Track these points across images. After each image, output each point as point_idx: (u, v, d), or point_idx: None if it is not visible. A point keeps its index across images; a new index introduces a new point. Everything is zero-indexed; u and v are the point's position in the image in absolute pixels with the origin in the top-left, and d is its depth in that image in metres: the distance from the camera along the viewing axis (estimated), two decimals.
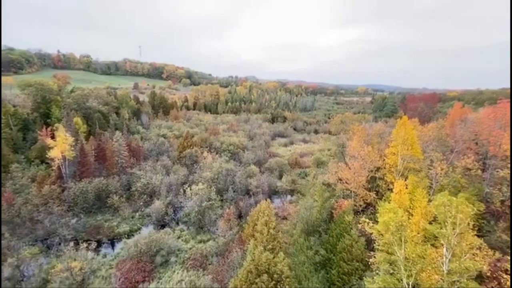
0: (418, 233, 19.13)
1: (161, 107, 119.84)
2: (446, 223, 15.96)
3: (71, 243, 31.94)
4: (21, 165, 50.02)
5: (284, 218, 41.37)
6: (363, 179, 35.55)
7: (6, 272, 25.73)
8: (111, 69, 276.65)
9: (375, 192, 37.18)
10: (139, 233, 37.53)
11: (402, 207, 22.27)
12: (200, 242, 35.11)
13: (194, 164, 57.38)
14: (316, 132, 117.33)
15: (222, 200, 44.83)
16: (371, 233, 20.43)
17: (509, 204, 27.31)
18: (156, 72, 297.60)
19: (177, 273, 28.44)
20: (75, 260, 27.97)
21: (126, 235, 37.25)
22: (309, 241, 31.46)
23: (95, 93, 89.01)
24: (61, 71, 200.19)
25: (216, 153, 65.88)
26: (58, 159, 44.98)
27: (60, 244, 33.28)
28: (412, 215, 21.94)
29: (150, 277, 27.83)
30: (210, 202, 39.94)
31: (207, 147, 68.29)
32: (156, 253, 30.93)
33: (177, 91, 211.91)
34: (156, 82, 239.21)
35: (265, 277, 19.11)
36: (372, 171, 37.66)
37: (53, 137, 49.20)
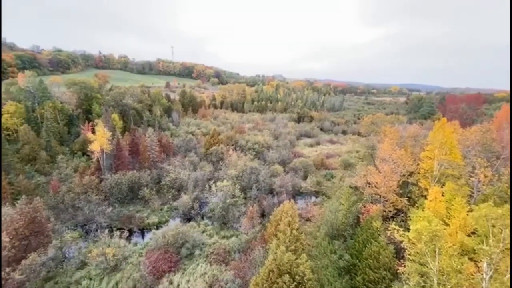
0: (454, 245, 17.69)
1: (190, 105, 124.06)
2: (488, 237, 14.55)
3: (106, 230, 34.44)
4: (66, 156, 54.97)
5: (308, 219, 40.71)
6: (394, 183, 33.71)
7: (51, 252, 28.48)
8: (146, 69, 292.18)
9: (406, 198, 35.08)
10: (167, 225, 39.37)
11: (437, 216, 20.74)
12: (223, 237, 35.87)
13: (220, 161, 58.64)
14: (344, 133, 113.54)
15: (245, 198, 45.33)
16: (401, 242, 19.31)
17: None
18: (187, 72, 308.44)
19: (201, 266, 29.39)
20: (109, 246, 30.11)
21: (155, 226, 39.30)
22: (333, 245, 30.63)
23: (130, 91, 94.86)
24: (102, 71, 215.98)
25: (241, 151, 66.69)
26: (97, 152, 48.71)
27: (97, 230, 36.08)
28: (448, 225, 20.36)
29: (176, 268, 29.06)
30: (234, 199, 40.58)
31: (232, 145, 69.40)
32: (182, 245, 32.21)
33: (205, 90, 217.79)
34: (187, 81, 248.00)
35: (286, 277, 19.00)
36: (404, 175, 35.57)
37: (93, 132, 53.38)
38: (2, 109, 60.56)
